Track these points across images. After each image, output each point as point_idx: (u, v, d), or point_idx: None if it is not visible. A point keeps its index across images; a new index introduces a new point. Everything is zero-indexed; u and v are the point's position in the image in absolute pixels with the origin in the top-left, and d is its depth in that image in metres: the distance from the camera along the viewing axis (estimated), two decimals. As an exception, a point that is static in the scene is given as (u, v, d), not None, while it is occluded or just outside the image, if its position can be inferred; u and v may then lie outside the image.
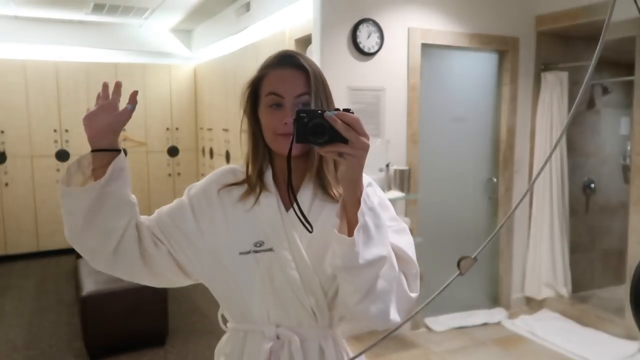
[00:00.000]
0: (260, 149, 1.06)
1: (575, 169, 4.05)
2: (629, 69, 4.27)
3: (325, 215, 1.03)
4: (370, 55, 3.21)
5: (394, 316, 0.93)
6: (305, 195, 1.05)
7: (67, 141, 5.24)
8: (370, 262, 0.88)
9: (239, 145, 1.15)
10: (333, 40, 3.10)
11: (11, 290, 4.30)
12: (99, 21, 5.15)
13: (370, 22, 3.16)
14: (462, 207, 3.80)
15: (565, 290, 3.87)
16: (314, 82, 1.01)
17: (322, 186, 1.05)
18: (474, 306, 3.88)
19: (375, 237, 0.89)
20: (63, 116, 5.21)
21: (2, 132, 4.97)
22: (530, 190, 3.96)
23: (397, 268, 0.93)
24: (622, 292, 4.30)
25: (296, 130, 0.85)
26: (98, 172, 0.98)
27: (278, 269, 1.02)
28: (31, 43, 5.12)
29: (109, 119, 0.98)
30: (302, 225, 0.97)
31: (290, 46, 3.61)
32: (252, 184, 1.06)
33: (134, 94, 1.02)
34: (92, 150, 0.99)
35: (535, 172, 3.93)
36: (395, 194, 3.25)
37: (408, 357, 3.14)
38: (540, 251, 3.89)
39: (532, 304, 4.00)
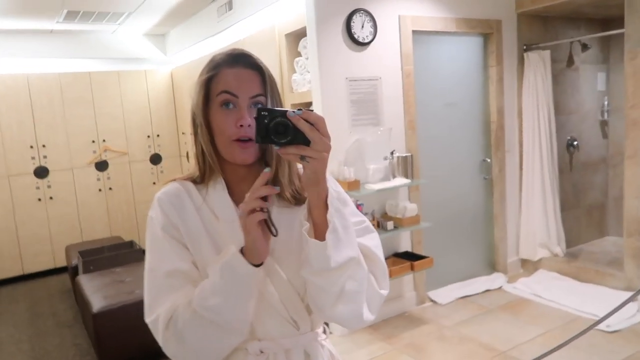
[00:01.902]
0: (207, 158, 0.99)
1: (559, 128, 4.17)
2: (604, 24, 4.46)
3: (286, 220, 1.00)
4: (365, 45, 3.22)
5: (367, 316, 0.95)
6: None
7: (45, 157, 5.03)
8: (341, 264, 0.89)
9: None
10: (328, 32, 3.09)
11: (3, 317, 4.10)
12: (70, 29, 4.95)
13: (363, 11, 3.17)
14: (460, 190, 3.88)
15: (559, 249, 4.02)
16: (269, 83, 0.97)
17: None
18: (473, 274, 3.98)
19: (344, 239, 0.90)
20: (39, 131, 4.99)
21: (-25, 152, 4.72)
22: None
23: (365, 267, 0.94)
24: (608, 245, 4.50)
25: (257, 129, 0.82)
26: None
27: None
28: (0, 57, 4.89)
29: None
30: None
31: (282, 41, 3.57)
32: (207, 200, 1.00)
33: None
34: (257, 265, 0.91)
35: (525, 151, 4.05)
36: (401, 180, 3.28)
37: (421, 335, 3.16)
38: (533, 212, 4.01)
39: (527, 266, 4.14)
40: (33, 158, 4.98)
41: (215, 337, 0.92)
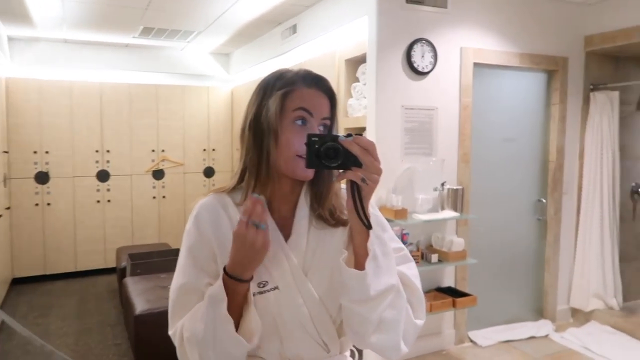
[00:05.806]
0: (263, 169, 0.99)
1: (623, 173, 3.94)
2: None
3: (324, 242, 1.01)
4: (424, 74, 3.21)
5: (403, 346, 0.94)
6: (302, 220, 1.01)
7: (108, 162, 5.31)
8: (381, 292, 0.89)
9: None
10: (388, 59, 3.12)
11: (54, 310, 4.30)
12: (143, 44, 5.28)
13: (424, 41, 3.18)
14: (511, 229, 3.73)
15: (615, 302, 3.75)
16: (336, 109, 1.04)
17: (315, 210, 1.02)
18: (518, 318, 3.78)
19: (383, 266, 0.89)
20: (105, 137, 5.29)
21: (47, 152, 5.05)
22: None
23: (404, 296, 0.93)
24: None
25: (308, 155, 0.84)
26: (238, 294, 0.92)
27: (286, 307, 0.97)
28: (78, 67, 5.26)
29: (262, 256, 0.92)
30: (302, 256, 0.98)
31: (341, 66, 3.64)
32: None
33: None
34: (244, 280, 0.91)
35: (584, 194, 3.85)
36: (450, 213, 3.20)
37: (459, 379, 3.04)
38: (589, 260, 3.77)
39: (578, 316, 3.88)
40: (97, 162, 5.27)
41: (210, 357, 0.92)
